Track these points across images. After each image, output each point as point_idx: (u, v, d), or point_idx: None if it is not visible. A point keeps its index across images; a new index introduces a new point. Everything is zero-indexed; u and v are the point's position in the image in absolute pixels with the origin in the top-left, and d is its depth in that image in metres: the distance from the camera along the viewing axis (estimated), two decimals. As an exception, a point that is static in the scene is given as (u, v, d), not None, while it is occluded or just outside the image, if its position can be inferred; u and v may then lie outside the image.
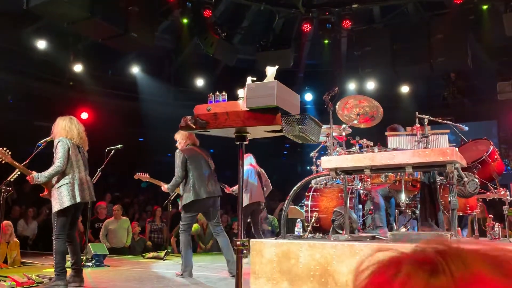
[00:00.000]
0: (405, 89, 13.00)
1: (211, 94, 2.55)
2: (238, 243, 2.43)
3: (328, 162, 4.16)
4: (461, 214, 5.40)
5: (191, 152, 5.71)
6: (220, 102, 2.48)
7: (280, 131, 2.42)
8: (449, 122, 5.39)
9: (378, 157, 3.85)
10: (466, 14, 10.74)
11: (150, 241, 10.00)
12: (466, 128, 5.48)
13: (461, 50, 10.60)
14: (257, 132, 2.55)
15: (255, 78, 2.50)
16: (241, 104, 2.43)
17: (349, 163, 4.00)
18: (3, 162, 4.89)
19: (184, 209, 5.67)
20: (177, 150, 5.78)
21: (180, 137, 5.83)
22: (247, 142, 2.62)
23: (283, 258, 4.36)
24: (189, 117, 2.51)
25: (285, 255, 4.36)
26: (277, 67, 2.54)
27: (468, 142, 5.55)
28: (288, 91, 2.51)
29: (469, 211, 5.18)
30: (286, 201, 5.03)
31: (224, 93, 2.52)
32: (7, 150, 4.88)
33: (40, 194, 5.09)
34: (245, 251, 2.49)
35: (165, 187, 5.98)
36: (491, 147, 5.23)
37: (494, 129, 12.52)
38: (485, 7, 10.63)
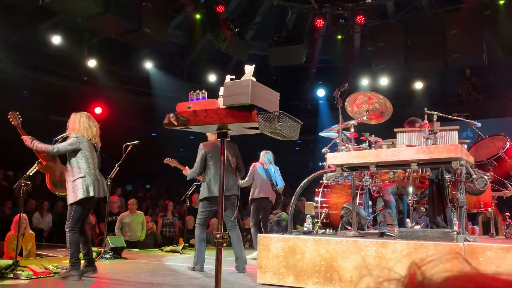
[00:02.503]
0: (418, 85, 12.87)
1: (192, 92, 2.61)
2: (217, 236, 2.47)
3: (333, 158, 4.17)
4: (475, 212, 5.33)
5: (213, 147, 5.70)
6: (200, 100, 2.54)
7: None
8: (460, 118, 5.34)
9: (383, 154, 3.84)
10: (482, 9, 10.57)
11: (162, 235, 10.10)
12: (479, 124, 5.42)
13: (477, 46, 10.44)
14: (238, 128, 2.61)
15: (233, 77, 2.55)
16: (220, 102, 2.49)
17: (354, 159, 4.00)
18: (12, 123, 5.07)
19: (200, 203, 5.74)
20: (200, 144, 5.79)
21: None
22: (228, 138, 2.67)
23: (289, 253, 4.39)
24: (171, 114, 2.59)
25: (291, 250, 4.39)
26: (253, 66, 2.59)
27: (484, 138, 5.47)
28: (265, 89, 2.55)
29: (483, 209, 5.10)
30: (293, 197, 5.05)
31: (204, 91, 2.58)
32: (19, 115, 5.05)
33: (38, 166, 5.27)
34: (224, 244, 2.52)
35: (186, 170, 6.03)
36: (508, 144, 5.13)
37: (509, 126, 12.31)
38: (501, 2, 10.45)
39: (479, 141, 5.48)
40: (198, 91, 2.59)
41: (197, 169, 5.72)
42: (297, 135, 2.63)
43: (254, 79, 2.53)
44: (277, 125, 2.40)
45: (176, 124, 2.57)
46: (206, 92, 2.58)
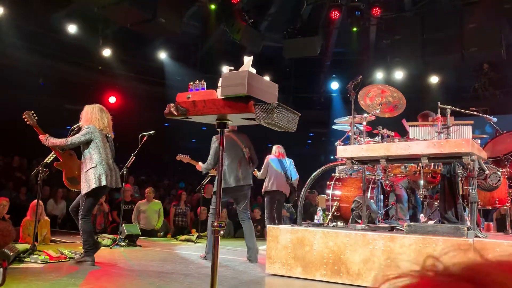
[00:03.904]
0: (434, 79, 12.70)
1: (191, 83, 2.62)
2: (215, 224, 2.49)
3: (343, 151, 4.15)
4: (490, 208, 5.26)
5: (227, 139, 5.70)
6: (199, 90, 2.56)
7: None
8: (475, 113, 5.26)
9: (393, 147, 3.81)
10: (501, 2, 10.36)
11: (174, 224, 10.19)
12: (494, 119, 5.34)
13: (495, 40, 10.27)
14: (236, 119, 2.63)
15: (232, 68, 2.55)
16: (218, 93, 2.51)
17: (364, 152, 3.98)
18: (28, 123, 5.15)
19: (214, 194, 5.74)
20: (214, 136, 5.82)
21: None
22: (228, 129, 2.69)
23: (298, 245, 4.40)
24: (172, 104, 2.62)
25: (300, 242, 4.40)
26: (252, 57, 2.59)
27: (502, 134, 5.39)
28: (263, 80, 2.56)
29: (498, 205, 5.02)
30: (303, 189, 5.05)
31: (203, 81, 2.60)
32: (34, 114, 5.13)
33: (54, 163, 5.36)
34: (221, 232, 2.55)
35: (199, 165, 6.08)
36: (526, 140, 5.06)
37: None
38: (522, -5, 10.24)
39: (496, 136, 5.39)
40: (197, 81, 2.61)
41: (211, 161, 5.74)
42: (295, 126, 2.63)
43: (254, 70, 2.54)
44: (274, 116, 2.41)
45: (176, 114, 2.60)
46: (205, 83, 2.60)
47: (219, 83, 2.51)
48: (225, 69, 2.54)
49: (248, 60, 2.55)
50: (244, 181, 5.64)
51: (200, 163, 6.07)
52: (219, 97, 2.50)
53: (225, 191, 5.60)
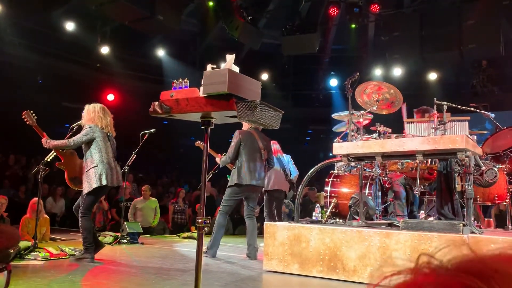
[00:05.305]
0: (432, 76, 12.69)
1: (175, 81, 2.65)
2: (199, 220, 2.52)
3: (339, 148, 4.17)
4: (489, 204, 5.26)
5: (248, 136, 5.72)
6: (183, 88, 2.59)
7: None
8: (472, 109, 5.26)
9: (388, 144, 3.83)
10: (500, -1, 10.37)
11: (173, 222, 10.20)
12: (492, 115, 5.34)
13: (494, 37, 10.25)
14: (220, 117, 2.67)
15: (215, 66, 2.58)
16: (201, 91, 2.54)
17: (360, 149, 3.99)
18: (27, 123, 5.15)
19: (227, 189, 5.74)
20: (236, 131, 5.81)
21: None
22: (212, 127, 2.71)
23: (295, 241, 4.42)
24: (156, 103, 2.65)
25: (296, 238, 4.42)
26: (234, 55, 2.61)
27: (502, 129, 5.39)
28: (245, 78, 2.59)
29: (497, 201, 5.03)
30: (300, 186, 5.06)
31: (186, 80, 2.62)
32: (33, 114, 5.13)
33: (56, 163, 5.36)
34: (206, 229, 2.59)
35: (218, 159, 6.04)
36: (526, 135, 5.06)
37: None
38: (521, -9, 10.22)
39: (496, 132, 5.39)
40: (180, 79, 2.64)
41: (230, 155, 5.68)
42: (278, 124, 2.65)
43: (237, 68, 2.57)
44: (257, 114, 2.44)
45: (160, 112, 2.64)
46: (188, 81, 2.63)
47: (202, 81, 2.53)
48: (208, 67, 2.56)
49: (230, 58, 2.57)
50: (259, 182, 5.63)
51: (220, 155, 6.03)
52: (202, 95, 2.52)
53: (238, 187, 5.59)
